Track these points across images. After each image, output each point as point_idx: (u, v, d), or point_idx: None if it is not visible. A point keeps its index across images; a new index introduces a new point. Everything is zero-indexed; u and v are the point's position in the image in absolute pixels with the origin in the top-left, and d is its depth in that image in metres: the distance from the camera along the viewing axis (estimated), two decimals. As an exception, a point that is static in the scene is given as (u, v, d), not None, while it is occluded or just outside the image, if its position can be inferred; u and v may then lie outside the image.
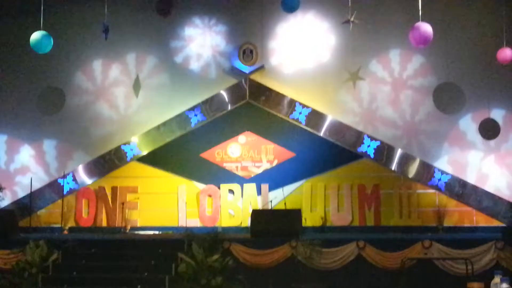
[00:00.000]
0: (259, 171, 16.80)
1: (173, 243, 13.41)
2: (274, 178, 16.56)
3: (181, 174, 16.90)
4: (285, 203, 15.56)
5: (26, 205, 16.60)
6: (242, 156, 16.88)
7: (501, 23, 15.43)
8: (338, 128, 16.47)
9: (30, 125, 17.33)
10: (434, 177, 15.94)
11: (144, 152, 17.02)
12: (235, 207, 16.65)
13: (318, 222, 15.88)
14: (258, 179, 16.68)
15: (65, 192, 16.73)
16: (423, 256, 12.77)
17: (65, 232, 16.25)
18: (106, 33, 14.76)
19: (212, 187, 16.73)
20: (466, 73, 16.13)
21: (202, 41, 17.18)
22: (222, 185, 16.70)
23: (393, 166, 16.22)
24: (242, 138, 16.93)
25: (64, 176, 16.80)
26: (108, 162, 17.09)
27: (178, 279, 12.37)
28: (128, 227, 16.27)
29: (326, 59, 16.75)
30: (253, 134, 16.90)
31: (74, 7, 17.27)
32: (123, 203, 16.51)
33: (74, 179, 17.04)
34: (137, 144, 17.01)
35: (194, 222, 16.48)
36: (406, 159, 16.19)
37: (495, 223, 15.34)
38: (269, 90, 16.77)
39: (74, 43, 17.19)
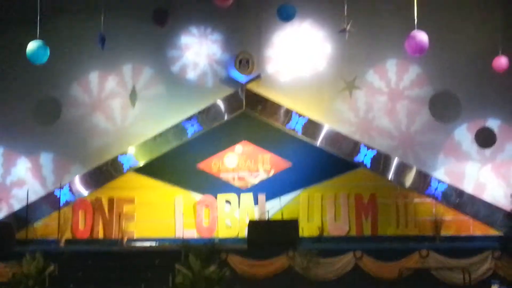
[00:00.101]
0: (256, 181, 16.77)
1: (170, 255, 13.32)
2: (271, 188, 16.55)
3: (178, 184, 16.87)
4: (282, 213, 15.57)
5: (23, 218, 16.56)
6: (239, 166, 16.86)
7: (496, 32, 15.52)
8: (335, 137, 16.48)
9: (26, 136, 17.32)
10: (430, 186, 15.96)
11: (141, 163, 17.00)
12: (232, 218, 16.61)
13: (315, 232, 15.85)
14: (255, 189, 16.66)
15: (61, 203, 16.66)
16: (421, 266, 12.79)
17: (62, 244, 16.21)
18: (102, 43, 14.79)
19: (209, 197, 16.70)
20: (462, 81, 16.15)
21: (198, 50, 17.21)
22: (219, 195, 16.66)
23: (390, 176, 16.23)
24: (239, 148, 16.92)
25: (61, 188, 16.76)
26: (104, 173, 17.07)
27: (175, 291, 12.37)
28: (125, 239, 16.17)
29: (322, 67, 16.79)
30: (249, 144, 16.89)
31: (71, 18, 17.28)
32: (119, 214, 16.47)
33: (71, 190, 17.01)
34: (134, 154, 17.00)
35: (191, 233, 16.46)
36: (402, 168, 16.19)
37: (492, 232, 15.33)
38: (266, 99, 16.79)
39: (71, 54, 17.18)
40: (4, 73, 17.43)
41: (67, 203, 16.92)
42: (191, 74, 17.21)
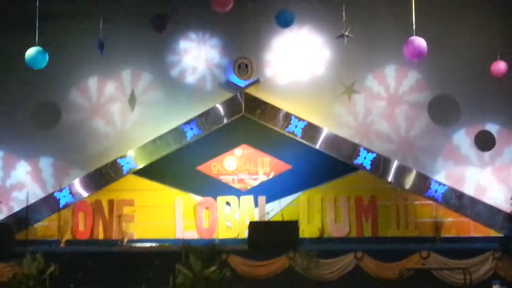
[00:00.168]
0: (256, 183, 16.78)
1: (171, 255, 13.34)
2: (271, 190, 16.54)
3: (178, 186, 16.86)
4: (282, 215, 15.58)
5: (23, 219, 16.50)
6: (239, 169, 16.87)
7: (494, 37, 15.56)
8: (334, 140, 16.51)
9: (26, 140, 17.27)
10: (430, 188, 15.97)
11: (140, 166, 16.99)
12: (232, 219, 16.61)
13: (315, 234, 15.85)
14: (255, 192, 16.65)
15: (61, 205, 16.67)
16: (421, 267, 12.81)
17: (62, 245, 16.19)
18: (101, 48, 14.82)
19: (209, 199, 16.70)
20: (460, 86, 16.21)
21: (197, 55, 17.23)
22: (219, 198, 16.66)
23: (390, 178, 16.27)
24: (238, 151, 16.94)
25: (61, 190, 16.77)
26: (104, 176, 17.04)
27: (176, 291, 12.36)
28: (125, 240, 16.16)
29: (321, 72, 16.82)
30: (249, 147, 16.91)
31: (70, 23, 17.23)
32: (119, 216, 16.46)
33: (71, 193, 16.97)
34: (133, 157, 16.98)
35: (191, 234, 16.43)
36: (402, 171, 16.22)
37: (492, 233, 15.37)
38: (265, 103, 16.81)
39: (70, 59, 17.18)
40: (4, 77, 17.39)
41: (67, 205, 16.88)
42: (190, 79, 17.23)
